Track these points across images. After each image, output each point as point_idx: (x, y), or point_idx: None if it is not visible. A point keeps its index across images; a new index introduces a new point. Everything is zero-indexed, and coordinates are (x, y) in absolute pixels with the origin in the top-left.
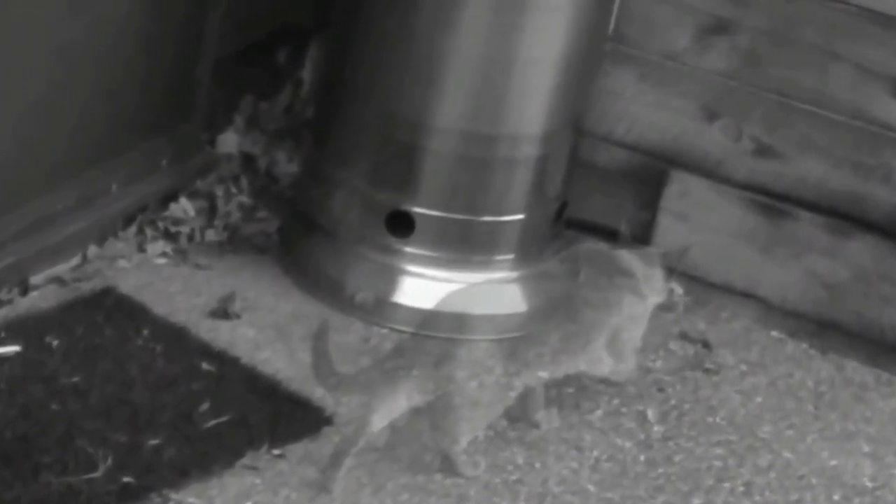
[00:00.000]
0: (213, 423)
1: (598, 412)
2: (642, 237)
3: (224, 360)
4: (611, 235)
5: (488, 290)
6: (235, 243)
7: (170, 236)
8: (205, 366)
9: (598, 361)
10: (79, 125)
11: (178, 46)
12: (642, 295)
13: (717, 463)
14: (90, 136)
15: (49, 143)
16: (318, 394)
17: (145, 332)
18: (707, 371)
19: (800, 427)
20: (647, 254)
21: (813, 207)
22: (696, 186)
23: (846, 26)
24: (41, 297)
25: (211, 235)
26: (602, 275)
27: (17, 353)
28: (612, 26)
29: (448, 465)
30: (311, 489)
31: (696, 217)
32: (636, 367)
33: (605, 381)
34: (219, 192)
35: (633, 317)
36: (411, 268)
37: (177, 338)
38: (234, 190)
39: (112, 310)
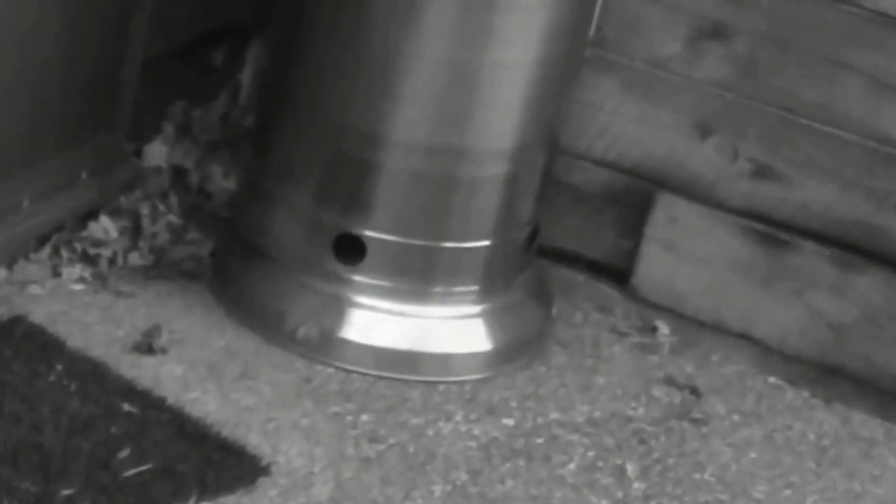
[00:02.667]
0: (133, 471)
1: (571, 466)
2: (624, 268)
3: (148, 401)
4: (588, 265)
5: (448, 325)
6: (162, 268)
7: (88, 259)
8: (126, 407)
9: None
10: None
11: (100, 45)
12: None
13: None
14: None
15: None
16: (254, 440)
17: (59, 367)
18: (694, 421)
19: (799, 486)
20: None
21: (818, 237)
22: (686, 212)
23: (858, 32)
24: None
25: (135, 259)
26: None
27: None
28: (593, 29)
29: None
30: None
31: (685, 246)
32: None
33: (578, 430)
34: (144, 210)
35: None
36: (361, 299)
37: (94, 375)
38: (161, 208)
39: (22, 342)
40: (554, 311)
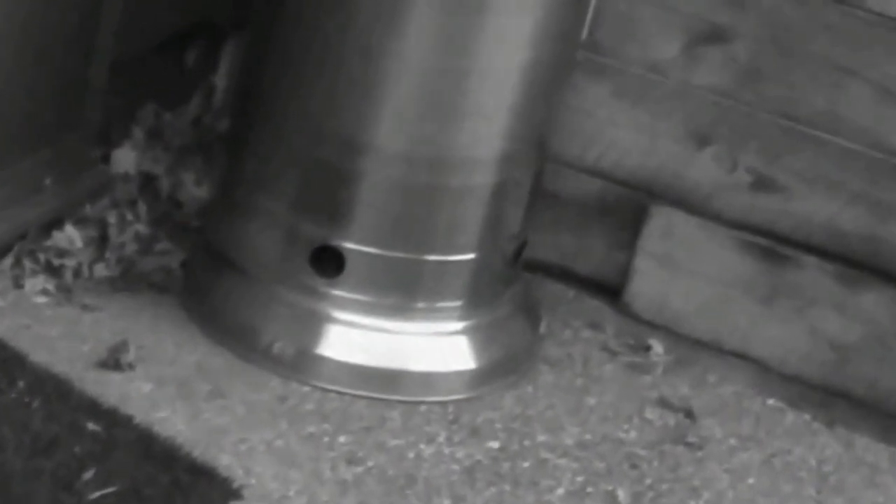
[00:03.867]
0: (98, 494)
1: (560, 491)
2: (616, 284)
3: (114, 420)
4: (579, 280)
5: (431, 342)
6: (130, 281)
7: (52, 270)
8: (91, 426)
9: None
10: None
11: (66, 45)
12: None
13: None
14: None
15: None
16: (226, 461)
17: (21, 384)
18: (689, 445)
19: None
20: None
21: (821, 252)
22: (682, 224)
23: (864, 38)
24: None
25: (101, 270)
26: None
27: None
28: (584, 32)
29: None
30: None
31: (680, 261)
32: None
33: (567, 454)
34: (112, 218)
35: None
36: (340, 314)
37: (58, 392)
38: (129, 217)
39: None
40: (542, 327)
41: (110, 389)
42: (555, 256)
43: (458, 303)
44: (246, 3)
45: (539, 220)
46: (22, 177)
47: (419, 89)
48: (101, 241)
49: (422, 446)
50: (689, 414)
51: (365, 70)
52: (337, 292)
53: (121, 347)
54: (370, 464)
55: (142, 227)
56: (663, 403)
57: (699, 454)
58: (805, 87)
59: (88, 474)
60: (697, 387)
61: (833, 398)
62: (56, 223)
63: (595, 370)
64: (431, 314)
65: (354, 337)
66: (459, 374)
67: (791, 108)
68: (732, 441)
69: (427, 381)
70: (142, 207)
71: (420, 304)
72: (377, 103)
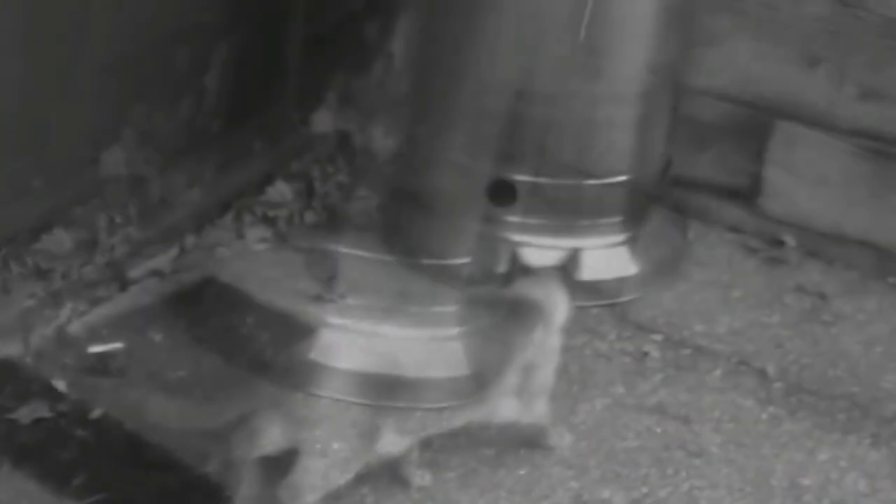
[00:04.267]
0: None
1: (717, 372)
2: (750, 191)
3: None
4: (718, 191)
5: (596, 254)
6: (336, 224)
7: (268, 221)
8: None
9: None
10: (170, 114)
11: (266, 25)
12: (550, 324)
13: (841, 416)
14: (186, 125)
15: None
16: None
17: (249, 320)
18: (825, 323)
19: None
20: (543, 279)
21: None
22: (802, 136)
23: None
24: (141, 291)
25: (310, 217)
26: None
27: (120, 351)
28: None
29: None
30: None
31: (803, 167)
32: (548, 410)
33: (721, 340)
34: (315, 172)
35: (545, 351)
36: (517, 237)
37: (281, 324)
38: (330, 169)
39: (214, 300)
40: (690, 234)
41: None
42: (696, 172)
43: (616, 219)
44: None
45: (680, 142)
46: (234, 144)
47: (567, 38)
48: (308, 193)
49: (596, 343)
50: (822, 296)
51: (519, 28)
52: (512, 219)
53: (332, 282)
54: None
55: (342, 178)
56: (799, 289)
57: (833, 330)
58: None
59: None
60: (827, 273)
61: None
62: (268, 180)
63: (738, 266)
64: (596, 230)
65: (532, 254)
66: (623, 279)
67: (888, 28)
68: (861, 317)
69: (595, 287)
70: (340, 161)
71: (585, 223)
72: (532, 55)
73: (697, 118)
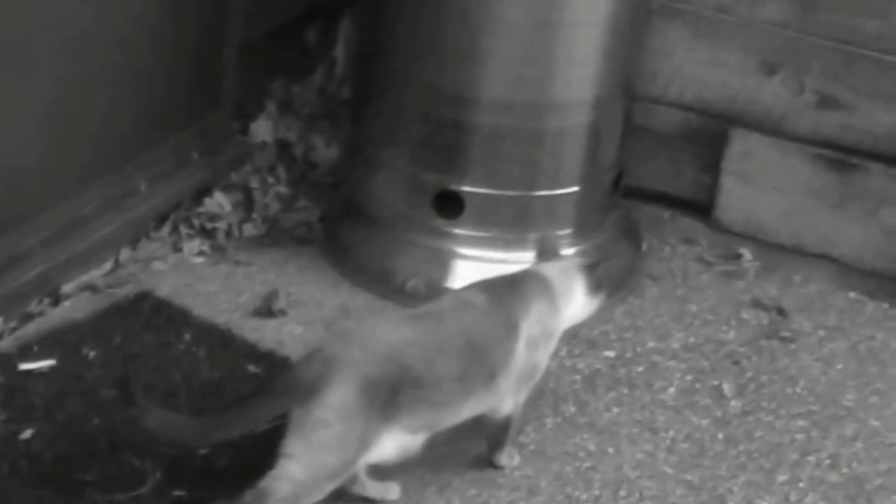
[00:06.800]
0: (267, 427)
1: (671, 390)
2: (705, 202)
3: (272, 361)
4: (672, 202)
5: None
6: (275, 236)
7: (206, 233)
8: (252, 368)
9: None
10: (100, 123)
11: (201, 32)
12: (557, 307)
13: (800, 436)
14: (114, 134)
15: (70, 144)
16: None
17: (186, 336)
18: (783, 339)
19: (885, 392)
20: (565, 266)
21: (884, 159)
22: (759, 145)
23: None
24: (74, 306)
25: (249, 230)
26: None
27: (52, 368)
28: None
29: None
30: None
31: (761, 177)
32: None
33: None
34: (254, 183)
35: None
36: (463, 251)
37: (220, 341)
38: (270, 180)
39: (150, 315)
40: (643, 247)
41: (266, 334)
42: (649, 183)
43: (567, 231)
44: None
45: (632, 151)
46: (172, 153)
47: (515, 45)
48: (247, 204)
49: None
50: (781, 312)
51: (466, 34)
52: (459, 231)
53: (272, 296)
54: None
55: (282, 189)
56: (757, 304)
57: (792, 346)
58: (859, 12)
59: None
60: (785, 287)
61: None
62: (206, 191)
63: (693, 280)
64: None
65: (478, 269)
66: None
67: (848, 33)
68: (821, 332)
69: None
70: (280, 171)
71: (533, 235)
72: (479, 62)
73: (650, 127)
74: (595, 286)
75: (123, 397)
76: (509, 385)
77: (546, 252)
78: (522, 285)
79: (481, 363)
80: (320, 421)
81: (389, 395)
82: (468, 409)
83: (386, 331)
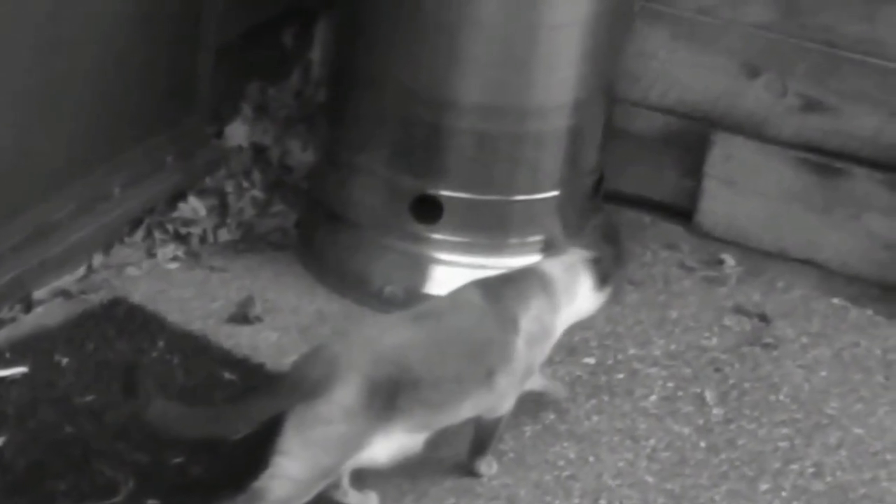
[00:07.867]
0: (240, 436)
1: (653, 398)
2: (687, 206)
3: (247, 368)
4: (653, 207)
5: None
6: (251, 241)
7: (180, 238)
8: (227, 375)
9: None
10: (74, 126)
11: (176, 34)
12: (557, 305)
13: (783, 444)
14: (87, 137)
15: (43, 147)
16: None
17: (161, 343)
18: (766, 346)
19: (869, 400)
20: (568, 262)
21: (869, 163)
22: (742, 148)
23: None
24: (46, 312)
25: (224, 235)
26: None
27: (24, 375)
28: None
29: None
30: None
31: (743, 181)
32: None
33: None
34: (229, 187)
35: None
36: (441, 256)
37: (195, 347)
38: (245, 184)
39: (124, 321)
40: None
41: (241, 341)
42: (630, 187)
43: (546, 236)
44: None
45: (613, 155)
46: (146, 157)
47: (494, 48)
48: (221, 209)
49: None
50: (763, 318)
51: (446, 35)
52: (437, 236)
53: (248, 302)
54: None
55: (257, 193)
56: (739, 310)
57: (775, 353)
58: (842, 14)
59: None
60: (768, 293)
61: (891, 293)
62: (180, 196)
63: (675, 286)
64: (523, 248)
65: (456, 274)
66: None
67: (831, 36)
68: (804, 339)
69: None
70: (256, 175)
71: (512, 240)
72: (457, 64)
73: (632, 130)
74: (602, 279)
75: (126, 387)
76: (511, 383)
77: (552, 247)
78: (522, 282)
79: (480, 362)
80: (324, 418)
81: (389, 396)
82: (467, 409)
83: (387, 332)
